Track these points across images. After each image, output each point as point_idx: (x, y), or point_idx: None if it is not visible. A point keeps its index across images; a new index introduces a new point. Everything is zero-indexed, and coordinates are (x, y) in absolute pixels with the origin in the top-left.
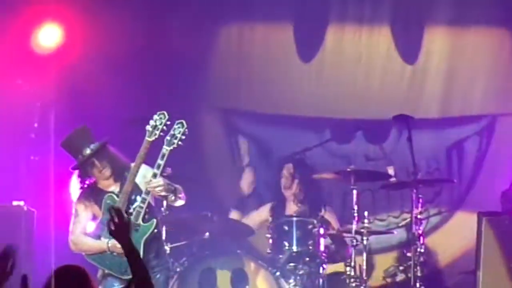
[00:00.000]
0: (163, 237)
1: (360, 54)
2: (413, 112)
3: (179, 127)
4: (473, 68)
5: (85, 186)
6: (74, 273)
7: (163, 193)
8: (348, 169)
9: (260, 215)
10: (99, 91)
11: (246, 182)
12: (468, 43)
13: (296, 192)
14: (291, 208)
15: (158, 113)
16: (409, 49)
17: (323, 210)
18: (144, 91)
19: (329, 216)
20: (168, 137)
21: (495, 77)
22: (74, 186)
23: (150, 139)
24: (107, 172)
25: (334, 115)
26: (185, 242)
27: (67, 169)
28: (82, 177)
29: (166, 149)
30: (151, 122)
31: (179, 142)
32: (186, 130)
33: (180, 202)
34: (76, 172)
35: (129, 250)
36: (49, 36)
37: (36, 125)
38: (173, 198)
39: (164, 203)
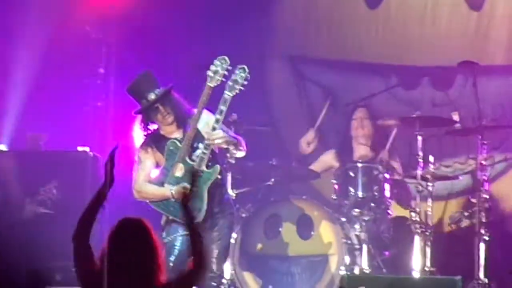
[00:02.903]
0: (229, 183)
1: (426, 0)
2: (479, 59)
3: (240, 72)
4: None
5: (148, 132)
6: (135, 227)
7: (223, 145)
8: (413, 115)
9: (325, 161)
10: (163, 38)
11: (306, 140)
12: None
13: (367, 134)
14: (359, 151)
15: (219, 58)
16: None
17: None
18: (209, 38)
19: (394, 162)
20: (230, 83)
21: None
22: (137, 132)
23: (211, 85)
24: (170, 118)
25: (400, 62)
26: (250, 188)
27: (131, 115)
28: (145, 123)
29: (228, 94)
30: (212, 68)
31: (241, 88)
32: (248, 75)
33: (240, 154)
34: (139, 118)
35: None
36: None
37: (101, 70)
38: (234, 150)
39: None
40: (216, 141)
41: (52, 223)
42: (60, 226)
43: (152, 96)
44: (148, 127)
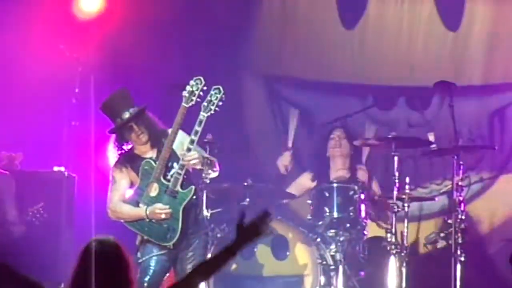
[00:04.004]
0: (204, 203)
1: (402, 21)
2: (455, 79)
3: (216, 93)
4: None
5: (122, 152)
6: (103, 245)
7: (198, 167)
8: (389, 136)
9: (302, 183)
10: (139, 57)
11: (283, 163)
12: (511, 9)
13: (345, 153)
14: (336, 172)
15: (194, 78)
16: (451, 15)
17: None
18: (185, 57)
19: (372, 183)
20: (205, 103)
21: None
22: (112, 152)
23: (187, 105)
24: (144, 137)
25: (376, 82)
26: (225, 208)
27: (106, 135)
28: (119, 142)
29: (203, 115)
30: (188, 88)
31: (216, 108)
32: (223, 96)
33: (213, 175)
34: (114, 137)
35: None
36: (90, 1)
37: (77, 90)
38: (209, 171)
39: None
40: (191, 162)
41: (26, 243)
42: (32, 246)
43: (126, 115)
44: (122, 146)
